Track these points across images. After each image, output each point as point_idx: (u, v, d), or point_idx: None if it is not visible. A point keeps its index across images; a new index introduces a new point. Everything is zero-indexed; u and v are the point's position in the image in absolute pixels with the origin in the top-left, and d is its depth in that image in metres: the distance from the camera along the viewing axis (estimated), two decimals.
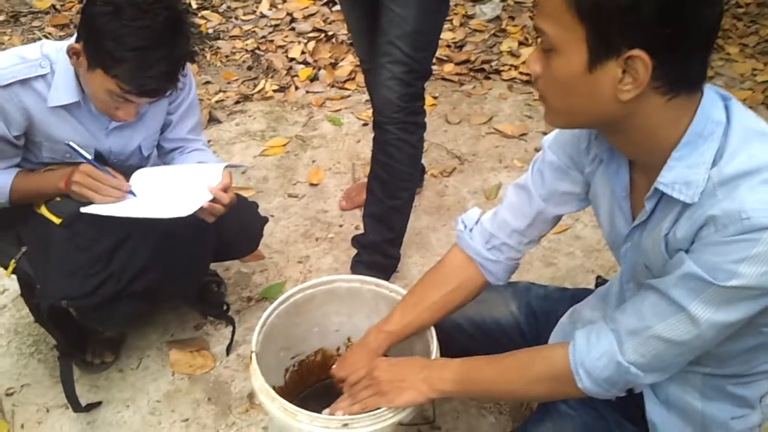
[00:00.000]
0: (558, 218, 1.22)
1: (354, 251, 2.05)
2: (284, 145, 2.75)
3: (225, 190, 1.48)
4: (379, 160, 1.84)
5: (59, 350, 1.64)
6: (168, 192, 1.50)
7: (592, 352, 0.98)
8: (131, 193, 1.49)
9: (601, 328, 0.99)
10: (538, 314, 1.38)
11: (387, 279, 1.99)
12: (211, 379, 1.81)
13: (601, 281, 1.41)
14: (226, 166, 1.54)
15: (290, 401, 1.55)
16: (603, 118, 0.89)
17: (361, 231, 2.02)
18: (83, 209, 1.42)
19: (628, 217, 1.04)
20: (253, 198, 2.41)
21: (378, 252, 1.94)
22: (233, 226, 1.63)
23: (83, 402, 1.68)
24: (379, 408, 1.16)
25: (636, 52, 0.80)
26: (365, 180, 2.47)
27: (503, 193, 2.42)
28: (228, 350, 1.87)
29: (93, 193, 1.45)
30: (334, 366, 1.32)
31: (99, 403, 1.73)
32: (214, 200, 1.46)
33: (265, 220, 1.82)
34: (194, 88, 1.70)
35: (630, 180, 1.02)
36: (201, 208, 1.44)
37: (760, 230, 0.80)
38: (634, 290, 1.08)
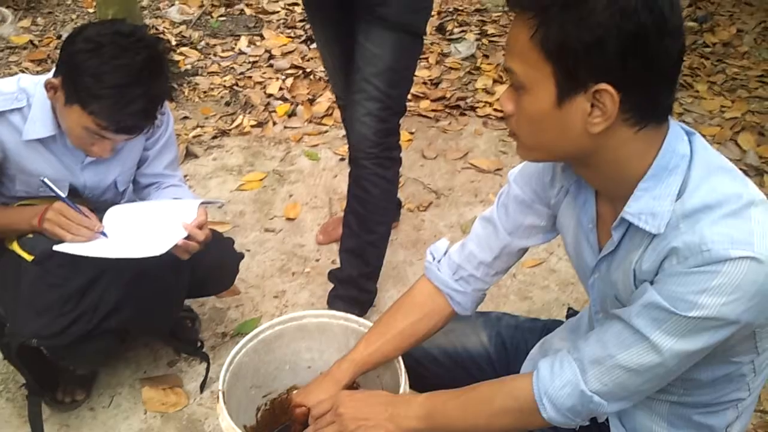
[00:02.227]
0: (524, 251, 1.24)
1: (331, 285, 2.04)
2: (261, 180, 2.76)
3: (200, 227, 1.48)
4: (355, 194, 1.85)
5: (28, 389, 1.61)
6: (142, 229, 1.49)
7: (556, 381, 0.99)
8: (103, 233, 1.48)
9: (564, 357, 1.00)
10: (508, 345, 1.39)
11: (364, 313, 2.00)
12: (185, 417, 1.78)
13: (571, 312, 1.42)
14: (202, 203, 1.55)
15: None
16: (573, 152, 0.91)
17: (338, 265, 2.02)
18: (56, 247, 1.41)
19: (595, 248, 1.05)
20: (230, 232, 2.41)
21: (354, 286, 1.94)
22: (208, 263, 1.62)
23: None
24: None
25: (603, 86, 0.82)
26: (342, 214, 2.49)
27: None
28: (202, 387, 1.84)
29: (64, 232, 1.43)
30: (294, 392, 1.31)
31: None
32: (188, 237, 1.46)
33: (241, 256, 1.81)
34: (172, 124, 1.71)
35: (596, 211, 1.04)
36: (175, 246, 1.43)
37: (720, 262, 0.82)
38: (603, 321, 1.09)
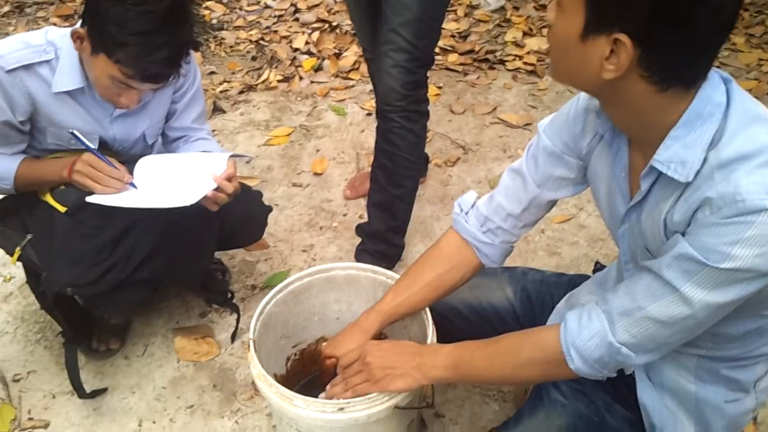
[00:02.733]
0: (553, 203, 1.23)
1: (358, 240, 2.05)
2: (288, 135, 2.76)
3: (229, 179, 1.49)
4: (382, 148, 1.84)
5: (64, 337, 1.65)
6: (171, 181, 1.50)
7: (584, 332, 0.99)
8: (132, 185, 1.49)
9: (593, 309, 1.00)
10: (533, 299, 1.39)
11: (391, 267, 2.00)
12: (216, 366, 1.82)
13: (599, 266, 1.42)
14: (231, 156, 1.55)
15: (292, 388, 1.58)
16: (592, 89, 0.92)
17: (365, 220, 2.03)
18: (88, 199, 1.43)
19: (627, 197, 1.04)
20: (258, 187, 2.42)
21: (382, 241, 1.95)
22: (237, 216, 1.63)
23: (89, 388, 1.70)
24: (371, 394, 1.17)
25: (623, 36, 0.81)
26: (369, 169, 2.49)
27: None
28: (233, 338, 1.88)
29: (93, 183, 1.45)
30: (324, 344, 1.33)
31: (104, 390, 1.75)
32: (218, 189, 1.47)
33: (270, 209, 1.82)
34: (199, 77, 1.70)
35: (629, 160, 1.02)
36: (205, 197, 1.44)
37: (755, 213, 0.80)
38: (633, 272, 1.08)
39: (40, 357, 1.85)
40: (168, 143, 1.76)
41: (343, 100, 2.97)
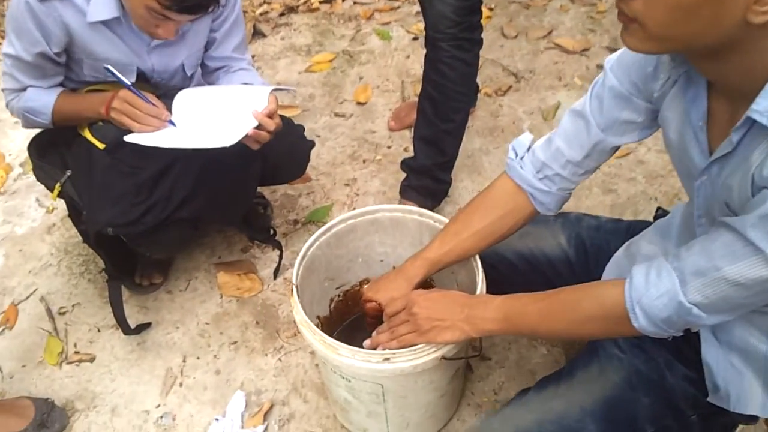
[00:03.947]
0: (616, 148, 1.12)
1: (403, 175, 1.97)
2: (330, 61, 2.64)
3: (270, 116, 1.41)
4: (431, 79, 1.72)
5: (108, 274, 1.64)
6: (211, 118, 1.43)
7: (651, 290, 0.91)
8: (171, 122, 1.43)
9: (662, 265, 0.91)
10: (589, 247, 1.31)
11: (437, 204, 1.93)
12: (259, 302, 1.80)
13: (661, 213, 1.32)
14: (273, 90, 1.46)
15: (335, 330, 1.56)
16: (714, 44, 0.77)
17: (411, 153, 1.93)
18: (126, 138, 1.37)
19: (705, 149, 0.93)
20: (299, 117, 2.34)
21: (428, 176, 1.86)
22: (279, 151, 1.56)
23: (133, 323, 1.70)
24: (417, 345, 1.12)
25: None
26: (415, 99, 2.37)
27: (562, 114, 2.28)
28: (275, 274, 1.85)
29: (131, 121, 1.39)
30: (366, 287, 1.28)
31: (148, 325, 1.75)
32: (259, 127, 1.39)
33: (312, 144, 1.74)
34: (239, 3, 1.59)
35: (707, 107, 0.91)
36: (246, 136, 1.37)
37: None
38: (707, 226, 0.99)
39: (84, 290, 1.86)
40: (208, 74, 1.68)
41: (389, 23, 2.82)
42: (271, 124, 1.41)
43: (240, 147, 1.38)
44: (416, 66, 2.56)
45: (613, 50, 2.60)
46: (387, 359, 1.13)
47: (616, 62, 1.05)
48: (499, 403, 1.53)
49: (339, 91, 2.48)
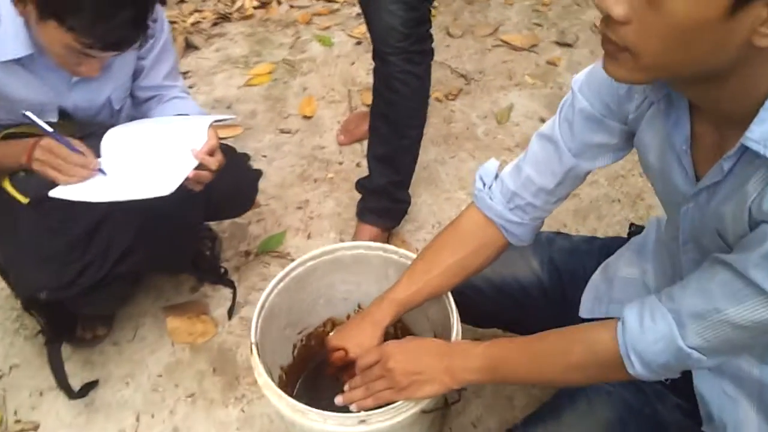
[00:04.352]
0: (589, 173, 1.04)
1: (358, 192, 1.86)
2: (270, 72, 2.51)
3: (212, 152, 1.28)
4: (382, 95, 1.61)
5: (45, 336, 1.49)
6: (146, 161, 1.29)
7: (647, 335, 0.84)
8: (101, 171, 1.29)
9: (656, 307, 0.85)
10: (563, 272, 1.25)
11: (397, 224, 1.84)
12: (215, 347, 1.67)
13: (634, 229, 1.26)
14: (212, 123, 1.33)
15: (300, 376, 1.45)
16: (710, 71, 0.69)
17: (364, 168, 1.83)
18: (51, 193, 1.22)
19: (691, 174, 0.87)
20: (242, 137, 2.21)
21: (386, 197, 1.76)
22: (224, 189, 1.42)
23: (78, 382, 1.56)
24: (396, 402, 1.03)
25: None
26: (363, 109, 2.27)
27: (516, 116, 2.21)
28: (230, 314, 1.72)
29: (56, 173, 1.23)
30: (331, 335, 1.18)
31: (95, 383, 1.60)
32: (200, 166, 1.26)
33: (259, 174, 1.62)
34: (167, 27, 1.45)
35: (691, 131, 0.84)
36: (186, 179, 1.24)
37: None
38: (695, 252, 0.93)
39: (21, 349, 1.69)
40: (138, 105, 1.54)
41: (329, 27, 2.70)
42: (213, 163, 1.29)
43: (180, 190, 1.25)
44: (361, 73, 2.45)
45: (561, 45, 2.58)
46: (363, 421, 1.03)
47: (584, 82, 0.97)
48: None
49: (282, 105, 2.35)
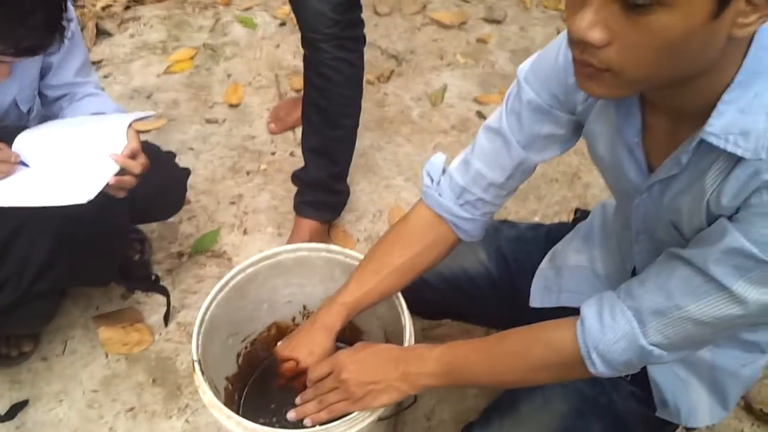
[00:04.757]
0: (537, 165, 1.03)
1: (293, 184, 1.79)
2: (192, 58, 2.38)
3: (134, 155, 1.19)
4: (313, 84, 1.55)
5: None
6: (63, 165, 1.20)
7: (608, 334, 0.83)
8: (23, 164, 1.19)
9: (615, 304, 0.84)
10: (510, 261, 1.24)
11: (336, 216, 1.79)
12: (152, 356, 1.59)
13: (579, 215, 1.26)
14: (131, 123, 1.24)
15: (247, 382, 1.39)
16: (695, 72, 0.67)
17: (298, 158, 1.76)
18: None
19: (643, 166, 0.85)
20: (166, 128, 2.10)
21: (324, 189, 1.70)
22: (150, 191, 1.33)
23: (6, 404, 1.47)
24: (351, 413, 1.00)
25: None
26: (293, 94, 2.19)
27: (449, 98, 2.19)
28: (166, 321, 1.63)
29: None
30: (279, 345, 1.14)
31: (25, 403, 1.50)
32: (121, 171, 1.18)
33: (187, 173, 1.53)
34: (75, 20, 1.34)
35: (642, 122, 0.82)
36: (107, 185, 1.15)
37: None
38: (648, 242, 0.93)
39: None
40: (48, 104, 1.42)
41: (250, 8, 2.58)
42: (136, 167, 1.20)
43: (101, 197, 1.16)
44: (288, 56, 2.36)
45: (490, 22, 2.56)
46: None
47: (530, 73, 0.94)
48: (434, 429, 1.43)
49: (207, 94, 2.24)
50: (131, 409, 1.50)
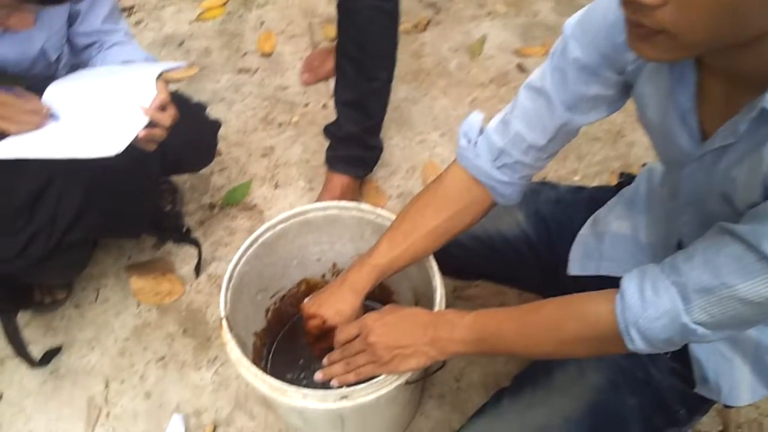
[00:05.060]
0: (581, 127, 0.97)
1: (325, 136, 1.75)
2: (224, 5, 2.33)
3: (163, 107, 1.17)
4: (348, 34, 1.49)
5: None
6: (92, 117, 1.17)
7: (649, 310, 0.79)
8: (53, 116, 1.17)
9: (658, 279, 0.79)
10: (550, 223, 1.19)
11: (369, 172, 1.75)
12: (183, 307, 1.60)
13: (624, 180, 1.19)
14: (160, 74, 1.21)
15: (276, 338, 1.39)
16: (755, 33, 0.61)
17: (330, 110, 1.71)
18: None
19: (695, 133, 0.80)
20: (198, 77, 2.06)
21: (357, 144, 1.66)
22: (180, 143, 1.31)
23: (40, 350, 1.50)
24: (378, 376, 0.99)
25: None
26: (327, 44, 2.13)
27: (489, 49, 2.10)
28: (197, 272, 1.64)
29: (8, 124, 1.13)
30: (307, 301, 1.12)
31: (59, 349, 1.53)
32: (150, 123, 1.15)
33: (218, 125, 1.50)
34: None
35: (696, 86, 0.76)
36: (136, 138, 1.13)
37: None
38: (696, 214, 0.87)
39: None
40: (77, 53, 1.39)
41: None
42: (166, 119, 1.18)
43: (132, 149, 1.14)
44: (322, 3, 2.29)
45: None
46: (345, 397, 0.98)
47: (577, 28, 0.88)
48: (462, 391, 1.42)
49: (239, 42, 2.19)
50: (162, 358, 1.51)
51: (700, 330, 0.77)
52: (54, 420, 1.43)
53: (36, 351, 1.51)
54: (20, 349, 1.40)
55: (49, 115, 1.18)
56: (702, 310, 0.75)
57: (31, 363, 1.45)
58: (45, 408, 1.45)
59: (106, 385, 1.48)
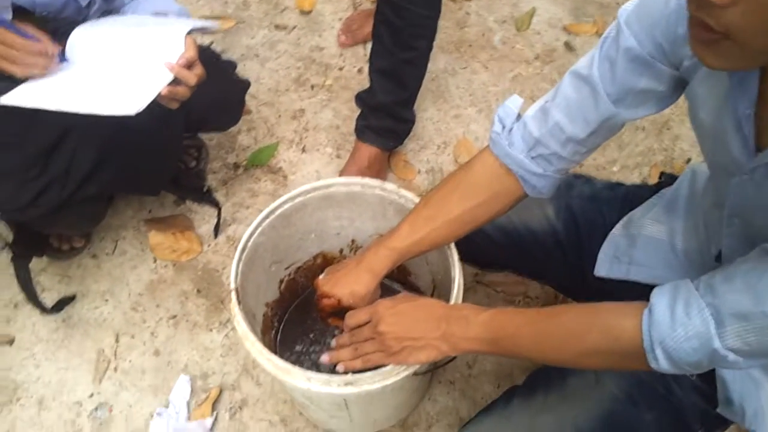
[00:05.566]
0: (625, 123, 0.90)
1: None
2: None
3: (189, 65, 1.12)
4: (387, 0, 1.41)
5: (12, 251, 1.38)
6: (113, 73, 1.13)
7: (678, 330, 0.73)
8: (63, 58, 1.13)
9: (692, 298, 0.73)
10: (580, 221, 1.13)
11: (399, 144, 1.69)
12: (199, 266, 1.58)
13: (665, 180, 1.12)
14: (189, 31, 1.16)
15: (288, 309, 1.36)
16: None
17: (366, 75, 1.64)
18: (2, 99, 1.06)
19: (750, 144, 0.72)
20: (233, 31, 2.01)
21: (389, 115, 1.59)
22: (206, 102, 1.26)
23: (54, 296, 1.50)
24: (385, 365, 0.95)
25: None
26: (368, 6, 2.05)
27: (537, 23, 2.00)
28: (216, 233, 1.61)
29: (11, 65, 1.08)
30: (320, 277, 1.08)
31: (72, 298, 1.52)
32: (175, 80, 1.11)
33: (246, 85, 1.45)
34: None
35: (758, 93, 0.69)
36: (159, 95, 1.08)
37: None
38: (741, 227, 0.80)
39: None
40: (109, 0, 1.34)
41: None
42: (192, 78, 1.13)
43: (154, 106, 1.10)
44: None
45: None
46: (350, 383, 0.95)
47: (633, 15, 0.80)
48: (474, 378, 1.38)
49: None
50: (174, 316, 1.50)
51: (732, 356, 0.71)
52: (63, 369, 1.44)
53: (50, 298, 1.51)
54: (31, 296, 1.40)
55: (56, 58, 1.13)
56: (737, 336, 0.70)
57: (43, 309, 1.45)
58: (54, 356, 1.45)
59: (117, 339, 1.48)
